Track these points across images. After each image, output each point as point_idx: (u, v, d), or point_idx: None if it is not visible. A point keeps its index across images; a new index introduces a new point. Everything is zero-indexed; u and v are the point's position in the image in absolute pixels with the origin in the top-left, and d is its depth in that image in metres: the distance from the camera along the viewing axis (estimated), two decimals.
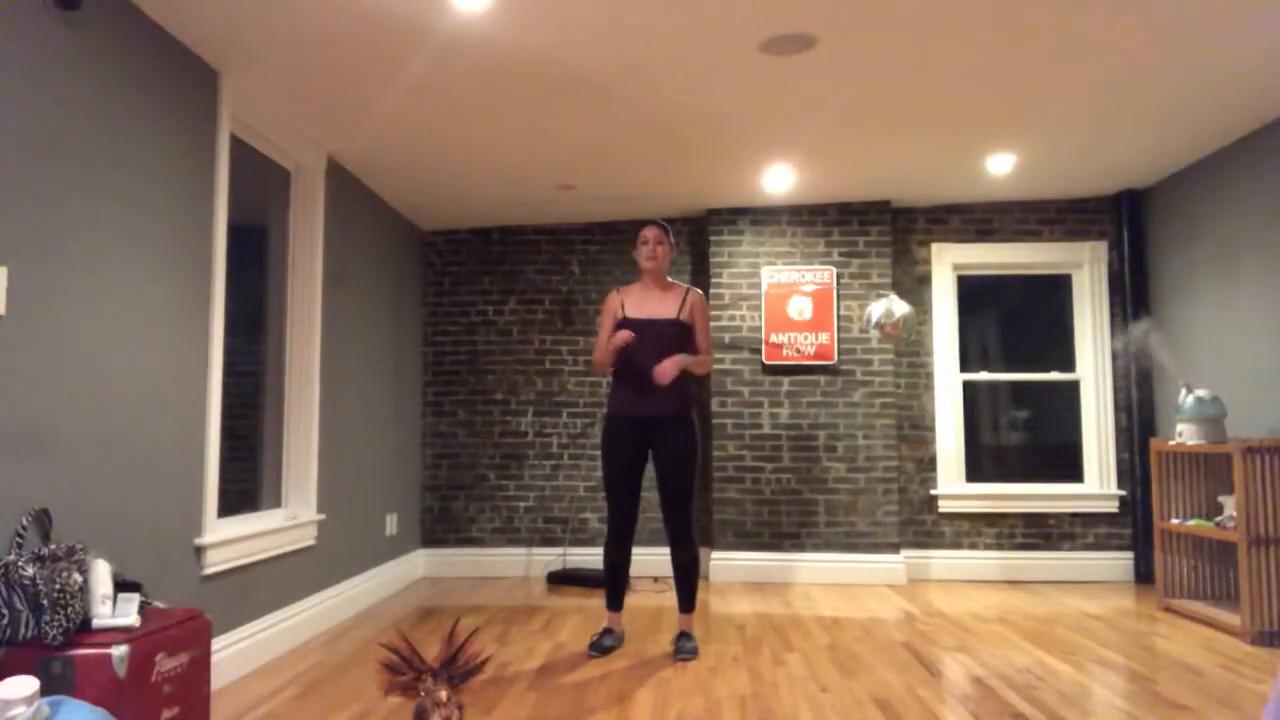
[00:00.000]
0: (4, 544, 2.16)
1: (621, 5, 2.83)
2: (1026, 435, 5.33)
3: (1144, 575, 5.02)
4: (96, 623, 2.08)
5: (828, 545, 5.11)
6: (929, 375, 5.31)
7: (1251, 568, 3.68)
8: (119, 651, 1.95)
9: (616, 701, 2.90)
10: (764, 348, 5.21)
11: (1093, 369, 5.20)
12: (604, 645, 3.54)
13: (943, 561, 5.20)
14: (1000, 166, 4.60)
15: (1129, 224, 5.13)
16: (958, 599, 4.63)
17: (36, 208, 2.30)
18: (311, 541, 3.89)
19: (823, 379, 5.20)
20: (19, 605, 1.95)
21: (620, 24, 2.96)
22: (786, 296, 5.23)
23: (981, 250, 5.31)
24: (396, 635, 3.88)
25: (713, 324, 5.25)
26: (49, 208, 2.35)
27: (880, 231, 5.26)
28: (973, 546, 5.21)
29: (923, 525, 5.24)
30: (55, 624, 1.95)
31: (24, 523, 2.18)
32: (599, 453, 5.48)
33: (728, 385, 5.23)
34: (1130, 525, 5.12)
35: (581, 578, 5.06)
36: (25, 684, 1.66)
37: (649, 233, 3.64)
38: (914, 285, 5.36)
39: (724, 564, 5.15)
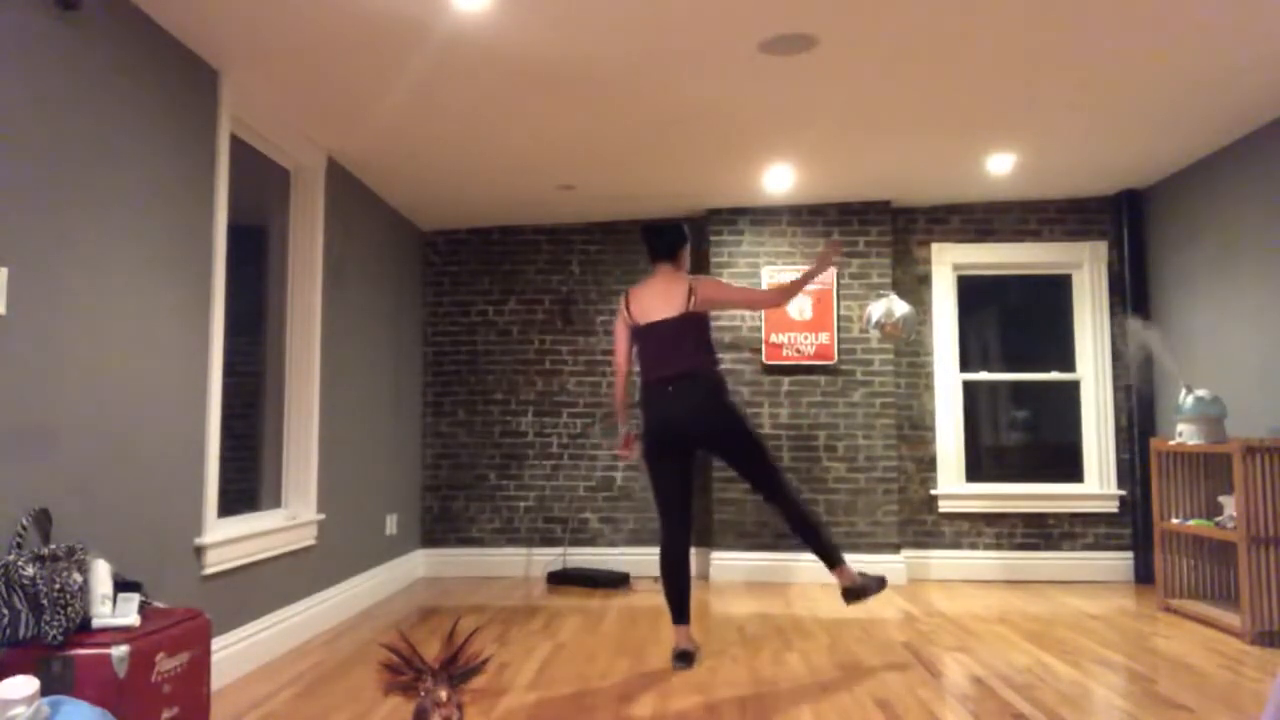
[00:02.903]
0: (4, 544, 2.16)
1: (621, 5, 2.83)
2: (1026, 435, 5.33)
3: (1144, 575, 5.02)
4: (96, 623, 2.09)
5: None
6: (929, 375, 5.31)
7: (1251, 568, 3.68)
8: (119, 651, 1.95)
9: (616, 701, 2.90)
10: (764, 348, 5.21)
11: (1093, 369, 5.20)
12: (683, 665, 3.35)
13: (943, 561, 5.20)
14: (1000, 166, 4.60)
15: (1129, 224, 5.13)
16: (958, 599, 4.62)
17: (37, 208, 2.30)
18: (311, 541, 3.89)
19: (823, 379, 5.20)
20: (19, 605, 1.95)
21: (620, 24, 2.96)
22: None
23: (981, 250, 5.31)
24: (396, 635, 3.88)
25: (712, 324, 5.24)
26: (49, 208, 2.35)
27: (880, 231, 5.26)
28: (973, 546, 5.21)
29: (923, 525, 5.24)
30: (55, 624, 1.95)
31: (24, 523, 2.18)
32: (597, 451, 5.48)
33: (728, 385, 5.23)
34: (1130, 525, 5.12)
35: (581, 578, 5.06)
36: (25, 684, 1.66)
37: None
38: (914, 285, 5.36)
39: (724, 564, 5.15)
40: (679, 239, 3.61)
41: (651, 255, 3.63)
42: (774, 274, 5.24)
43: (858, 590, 3.40)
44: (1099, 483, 5.16)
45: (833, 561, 3.42)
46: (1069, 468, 5.26)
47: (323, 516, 3.97)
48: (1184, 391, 4.20)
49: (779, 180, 4.80)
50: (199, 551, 3.04)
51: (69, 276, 2.42)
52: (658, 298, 3.51)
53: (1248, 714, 2.74)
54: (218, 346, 3.17)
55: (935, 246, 5.34)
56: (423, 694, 2.04)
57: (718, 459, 3.46)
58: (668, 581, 3.42)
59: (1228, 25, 3.05)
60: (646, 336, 3.50)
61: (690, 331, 3.44)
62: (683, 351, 3.42)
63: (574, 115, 3.78)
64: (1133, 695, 2.94)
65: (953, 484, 5.23)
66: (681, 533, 3.42)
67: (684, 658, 3.35)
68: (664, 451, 3.42)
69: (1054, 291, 5.37)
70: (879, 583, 3.45)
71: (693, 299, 3.45)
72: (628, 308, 3.56)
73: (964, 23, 2.99)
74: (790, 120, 3.90)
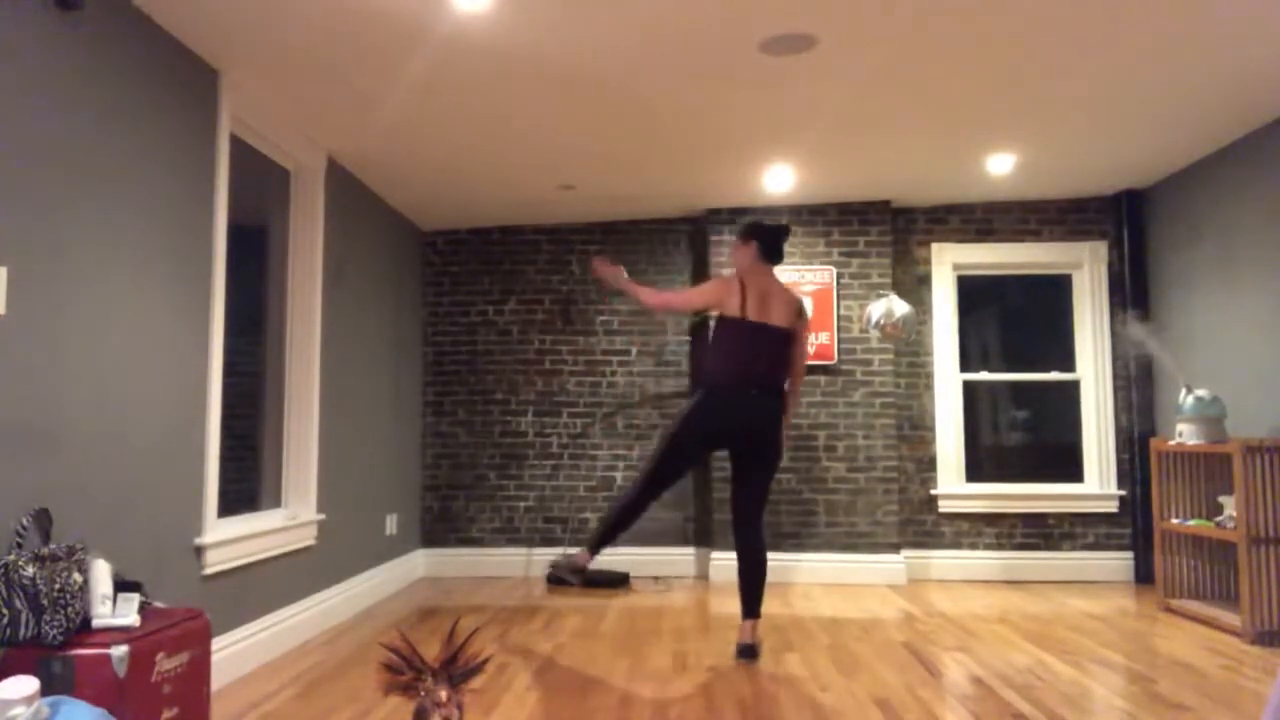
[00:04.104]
0: (4, 544, 2.16)
1: (622, 5, 2.83)
2: (1026, 435, 5.33)
3: (1144, 575, 5.02)
4: (96, 623, 2.08)
5: (828, 545, 5.11)
6: (929, 375, 5.31)
7: (1251, 568, 3.68)
8: (119, 651, 1.95)
9: (617, 701, 2.90)
10: None
11: (1093, 369, 5.20)
12: (563, 579, 3.58)
13: (943, 561, 5.20)
14: (1000, 166, 4.60)
15: (1129, 224, 5.13)
16: (958, 599, 4.63)
17: (36, 208, 2.30)
18: (311, 541, 3.89)
19: (823, 379, 5.20)
20: (19, 605, 1.95)
21: (621, 24, 2.96)
22: None
23: (981, 250, 5.31)
24: (396, 635, 3.88)
25: (713, 323, 5.24)
26: (49, 208, 2.35)
27: (880, 231, 5.26)
28: (973, 546, 5.21)
29: (923, 525, 5.24)
30: (55, 624, 1.95)
31: (24, 523, 2.18)
32: (597, 451, 5.47)
33: None
34: (1130, 525, 5.12)
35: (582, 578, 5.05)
36: (25, 684, 1.66)
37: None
38: (914, 285, 5.36)
39: (724, 564, 5.15)
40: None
41: (768, 255, 3.61)
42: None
43: (753, 649, 3.44)
44: (1099, 483, 5.16)
45: (753, 613, 3.50)
46: (1069, 468, 5.26)
47: (323, 516, 3.97)
48: (1184, 391, 4.20)
49: (779, 180, 4.80)
50: (199, 551, 3.04)
51: (69, 276, 2.42)
52: (776, 302, 3.52)
53: (1248, 714, 2.74)
54: (218, 346, 3.16)
55: (935, 246, 5.34)
56: (423, 694, 2.04)
57: (739, 470, 3.55)
58: (617, 524, 3.53)
59: (1228, 26, 3.05)
60: (752, 333, 3.47)
61: (788, 347, 3.53)
62: (778, 364, 3.49)
63: (574, 115, 3.78)
64: (1133, 695, 2.94)
65: (953, 484, 5.23)
66: (651, 503, 3.54)
67: (579, 573, 3.56)
68: (709, 443, 3.50)
69: (1054, 291, 5.37)
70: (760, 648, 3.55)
71: (800, 320, 3.56)
72: (742, 295, 3.50)
73: (964, 23, 2.99)
74: (790, 120, 3.90)
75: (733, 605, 4.46)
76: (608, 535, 3.56)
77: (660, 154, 4.32)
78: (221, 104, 3.21)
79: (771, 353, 3.47)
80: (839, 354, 5.20)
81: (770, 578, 5.10)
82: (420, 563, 5.49)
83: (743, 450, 3.50)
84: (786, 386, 3.56)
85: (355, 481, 4.48)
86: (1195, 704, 2.84)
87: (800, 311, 3.57)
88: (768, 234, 3.61)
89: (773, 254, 3.62)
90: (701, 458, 3.53)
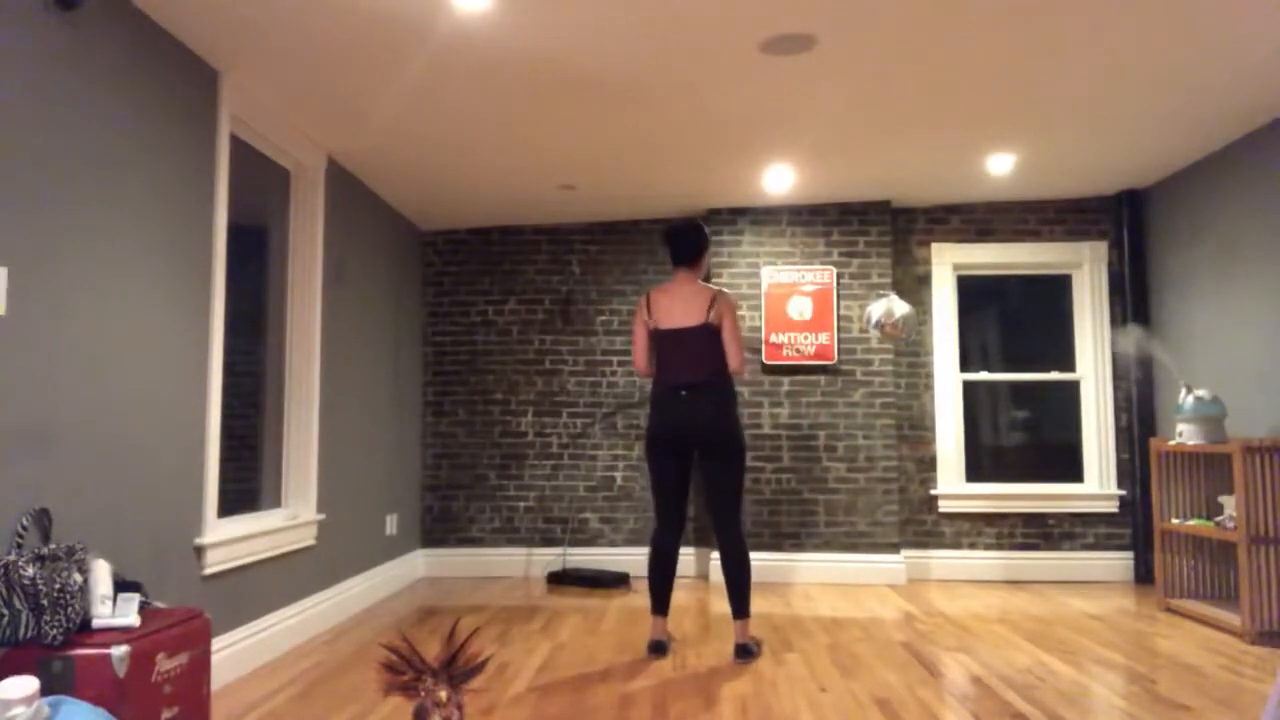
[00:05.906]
0: (4, 544, 2.16)
1: (622, 5, 2.83)
2: (1026, 435, 5.33)
3: (1144, 575, 5.02)
4: (96, 623, 2.09)
5: (828, 545, 5.11)
6: (929, 375, 5.31)
7: (1251, 568, 3.68)
8: (119, 651, 1.95)
9: (617, 701, 2.90)
10: (764, 348, 5.21)
11: (1093, 369, 5.20)
12: (657, 655, 3.50)
13: (943, 561, 5.20)
14: (1000, 166, 4.60)
15: (1129, 224, 5.13)
16: (958, 599, 4.62)
17: (36, 208, 2.30)
18: (311, 541, 3.89)
19: (823, 379, 5.20)
20: (19, 605, 1.95)
21: (620, 24, 2.96)
22: (786, 296, 5.23)
23: (981, 250, 5.31)
24: (396, 635, 3.88)
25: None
26: (49, 208, 2.35)
27: (880, 231, 5.26)
28: (973, 546, 5.21)
29: (923, 525, 5.24)
30: (55, 624, 1.95)
31: (24, 523, 2.18)
32: (597, 451, 5.48)
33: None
34: (1130, 525, 5.12)
35: (581, 578, 5.06)
36: (25, 684, 1.66)
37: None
38: (914, 285, 5.36)
39: None
40: (701, 243, 3.65)
41: (674, 259, 3.65)
42: (774, 274, 5.24)
43: (748, 650, 3.43)
44: (1099, 483, 5.16)
45: (742, 613, 3.46)
46: (1069, 468, 5.26)
47: (323, 516, 3.97)
48: (1184, 391, 4.20)
49: (779, 180, 4.80)
50: (199, 551, 3.04)
51: (69, 277, 2.42)
52: (680, 304, 3.55)
53: (1248, 714, 2.74)
54: (218, 346, 3.16)
55: (935, 246, 5.34)
56: (423, 694, 2.04)
57: (701, 478, 3.55)
58: (654, 572, 3.55)
59: (1228, 26, 3.05)
60: (666, 341, 3.55)
61: (708, 342, 3.52)
62: (701, 360, 3.50)
63: (574, 115, 3.78)
64: (1133, 695, 2.94)
65: (953, 484, 5.23)
66: (673, 529, 3.56)
67: (658, 648, 3.49)
68: (665, 450, 3.53)
69: (1054, 291, 5.37)
70: (759, 647, 3.53)
71: (712, 312, 3.52)
72: (648, 310, 3.61)
73: (964, 23, 2.99)
74: (790, 120, 3.90)
75: None
76: (657, 589, 3.54)
77: (660, 154, 4.32)
78: (221, 104, 3.21)
79: (691, 353, 3.50)
80: (839, 354, 5.20)
81: (770, 577, 5.10)
82: (420, 563, 5.49)
83: (698, 451, 3.52)
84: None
85: (355, 481, 4.48)
86: (1195, 704, 2.84)
87: (714, 302, 3.52)
88: (667, 238, 3.65)
89: (677, 258, 3.64)
90: (673, 468, 3.53)
